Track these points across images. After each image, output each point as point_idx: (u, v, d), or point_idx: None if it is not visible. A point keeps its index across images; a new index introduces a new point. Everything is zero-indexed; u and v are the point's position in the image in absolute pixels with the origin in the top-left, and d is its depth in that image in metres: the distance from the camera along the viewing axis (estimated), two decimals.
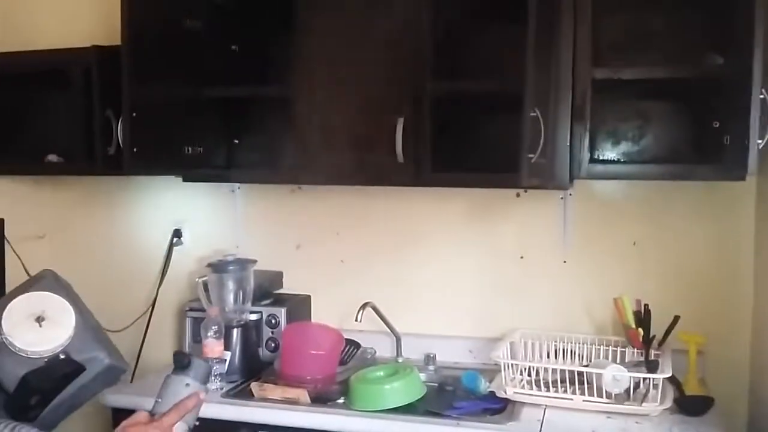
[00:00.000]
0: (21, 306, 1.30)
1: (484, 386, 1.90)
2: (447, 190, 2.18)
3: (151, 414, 1.15)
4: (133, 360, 2.41)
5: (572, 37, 1.77)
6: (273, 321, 2.21)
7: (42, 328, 1.31)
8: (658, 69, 1.82)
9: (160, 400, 1.17)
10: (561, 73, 1.77)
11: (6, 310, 1.27)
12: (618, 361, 1.89)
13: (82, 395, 1.45)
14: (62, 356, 1.33)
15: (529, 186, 1.89)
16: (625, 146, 2.04)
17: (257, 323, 2.20)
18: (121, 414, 1.96)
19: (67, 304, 1.34)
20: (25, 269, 2.41)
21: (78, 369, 1.35)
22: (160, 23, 2.14)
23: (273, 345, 2.19)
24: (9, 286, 2.17)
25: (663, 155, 2.00)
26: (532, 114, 1.68)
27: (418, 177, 1.95)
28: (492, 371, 1.98)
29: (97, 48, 2.19)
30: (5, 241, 2.38)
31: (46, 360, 1.31)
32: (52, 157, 2.38)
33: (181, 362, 1.19)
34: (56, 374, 1.34)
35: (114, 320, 2.46)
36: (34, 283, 1.39)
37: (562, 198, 2.12)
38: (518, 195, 2.15)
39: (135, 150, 2.13)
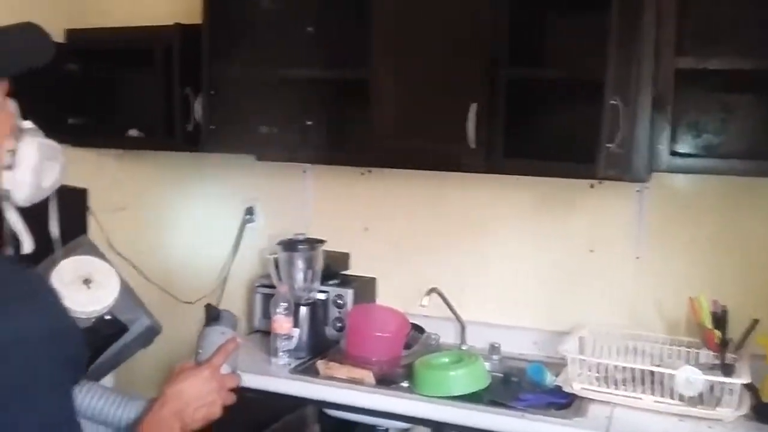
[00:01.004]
0: (70, 268, 1.35)
1: (550, 380, 1.88)
2: (518, 179, 2.15)
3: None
4: None
5: (656, 25, 1.70)
6: (340, 301, 2.24)
7: (90, 290, 1.36)
8: (744, 60, 1.73)
9: (201, 351, 1.25)
10: (643, 62, 1.71)
11: (55, 271, 1.32)
12: (691, 362, 1.83)
13: (123, 354, 1.52)
14: (108, 317, 1.39)
15: (606, 177, 1.84)
16: (706, 139, 1.96)
17: (324, 303, 2.24)
18: None
19: (112, 268, 1.40)
20: (107, 239, 2.52)
21: (122, 329, 1.43)
22: (240, 4, 2.18)
23: (339, 325, 2.23)
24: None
25: (746, 150, 1.91)
26: (612, 102, 1.63)
27: (489, 163, 1.92)
28: (557, 365, 1.96)
29: (179, 26, 2.25)
30: (88, 211, 2.49)
31: (93, 320, 1.37)
32: (134, 132, 2.47)
33: (214, 315, 1.30)
34: (103, 334, 1.41)
35: (187, 293, 2.56)
36: (76, 248, 1.44)
37: (638, 191, 2.06)
38: (592, 186, 2.10)
39: (212, 128, 2.20)
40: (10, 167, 0.90)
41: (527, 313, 2.20)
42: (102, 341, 1.40)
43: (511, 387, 1.90)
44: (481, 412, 1.74)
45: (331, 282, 2.28)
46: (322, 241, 2.24)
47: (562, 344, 1.88)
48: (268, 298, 2.28)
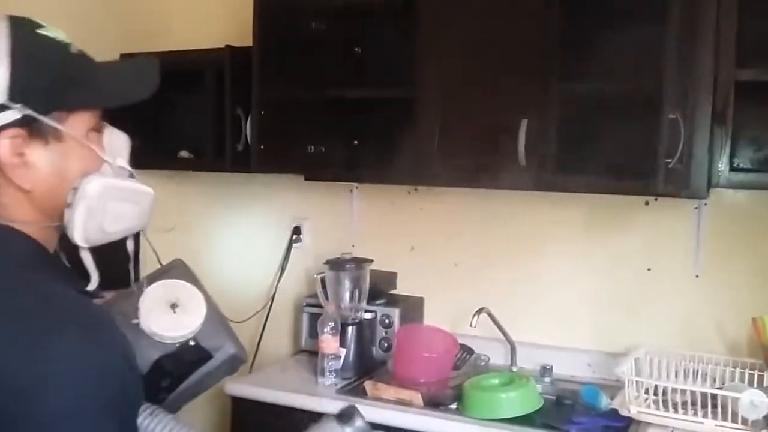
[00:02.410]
0: (157, 292, 1.34)
1: (605, 402, 1.81)
2: (569, 196, 2.11)
3: None
4: (252, 351, 2.49)
5: (715, 37, 1.66)
6: (387, 321, 2.22)
7: (176, 315, 1.34)
8: None
9: None
10: (702, 74, 1.67)
11: (143, 295, 1.32)
12: (755, 385, 1.74)
13: (205, 382, 1.50)
14: (192, 343, 1.36)
15: (663, 193, 1.79)
16: (767, 154, 1.89)
17: (371, 322, 2.22)
18: (239, 402, 2.05)
19: (199, 293, 1.38)
20: (158, 259, 2.55)
21: (206, 356, 1.40)
22: (289, 25, 2.21)
23: (386, 345, 2.20)
24: (143, 274, 2.31)
25: None
26: (671, 116, 1.59)
27: (540, 181, 1.89)
28: (612, 387, 1.89)
29: (230, 48, 2.29)
30: (142, 233, 2.53)
31: (177, 346, 1.35)
32: (184, 153, 2.51)
33: (349, 417, 1.17)
34: (186, 360, 1.39)
35: (234, 313, 2.55)
36: (166, 271, 1.44)
37: (696, 208, 1.99)
38: (647, 203, 2.04)
39: (262, 147, 2.22)
40: (69, 205, 0.87)
41: (580, 334, 2.14)
42: (184, 368, 1.38)
43: (565, 410, 1.84)
44: None
45: (378, 302, 2.26)
46: (369, 261, 2.23)
47: (617, 366, 1.81)
48: (314, 318, 2.27)
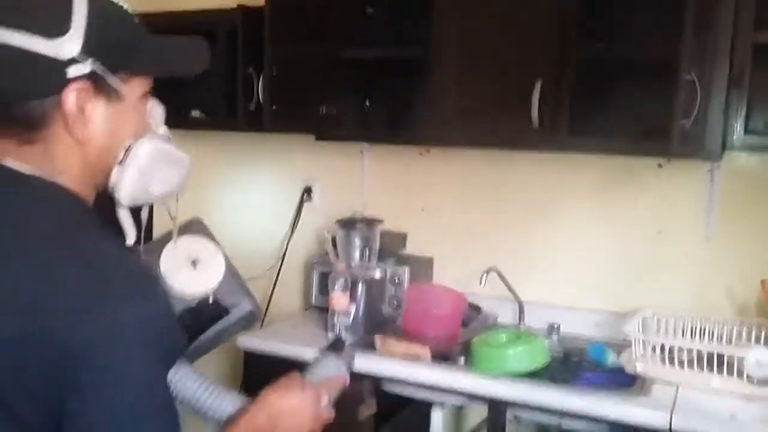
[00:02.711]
0: (178, 249, 1.35)
1: (612, 359, 1.84)
2: (581, 158, 2.11)
3: None
4: (263, 308, 2.52)
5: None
6: (396, 280, 2.24)
7: (196, 272, 1.36)
8: None
9: (312, 372, 1.22)
10: (720, 36, 1.66)
11: (164, 251, 1.33)
12: (762, 344, 1.76)
13: (221, 337, 1.52)
14: (211, 299, 1.39)
15: (677, 155, 1.79)
16: None
17: (381, 281, 2.24)
18: (251, 356, 2.08)
19: (219, 250, 1.40)
20: (171, 217, 2.57)
21: (223, 312, 1.42)
22: None
23: (396, 303, 2.23)
24: (156, 233, 2.34)
25: None
26: (687, 78, 1.59)
27: (553, 142, 1.89)
28: (619, 346, 1.91)
29: (242, 7, 2.29)
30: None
31: (196, 302, 1.38)
32: (197, 113, 2.52)
33: (338, 346, 1.28)
34: (204, 316, 1.41)
35: (245, 270, 2.55)
36: (185, 228, 1.46)
37: (709, 171, 1.99)
38: (660, 165, 2.05)
39: (274, 107, 2.23)
40: (120, 163, 0.91)
41: (589, 295, 2.16)
42: (202, 323, 1.40)
43: (571, 366, 1.86)
44: (540, 390, 1.71)
45: (388, 261, 2.28)
46: (379, 221, 2.25)
47: (625, 325, 1.83)
48: (324, 276, 2.30)
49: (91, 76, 0.84)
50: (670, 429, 1.56)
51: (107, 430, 0.78)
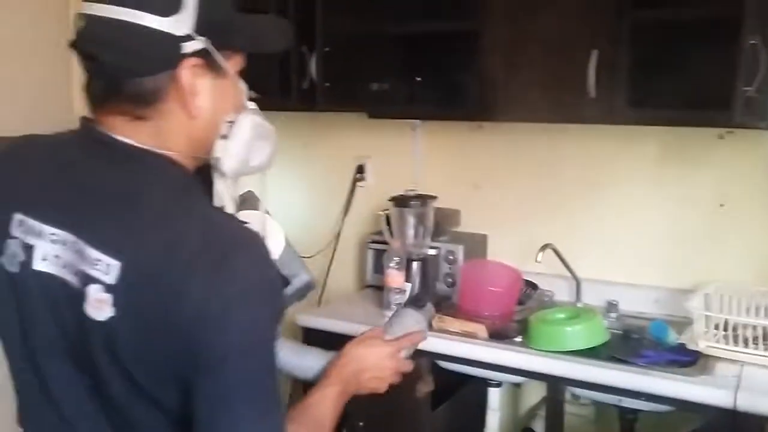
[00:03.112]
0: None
1: (673, 337, 1.80)
2: (640, 130, 2.05)
3: None
4: (319, 287, 2.56)
5: None
6: (450, 257, 2.24)
7: None
8: None
9: (391, 326, 1.24)
10: None
11: None
12: None
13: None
14: None
15: (740, 125, 1.72)
16: None
17: (435, 258, 2.24)
18: (310, 332, 2.12)
19: (277, 223, 1.43)
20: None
21: (284, 283, 1.46)
22: None
23: (450, 280, 2.23)
24: None
25: None
26: (751, 42, 1.52)
27: (610, 114, 1.84)
28: (680, 324, 1.88)
29: None
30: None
31: None
32: (249, 93, 2.54)
33: (418, 301, 1.30)
34: None
35: (300, 249, 2.62)
36: (243, 201, 1.49)
37: None
38: (721, 137, 1.97)
39: (327, 85, 2.23)
40: (225, 137, 0.93)
41: (648, 271, 2.11)
42: None
43: (631, 344, 1.84)
44: (599, 368, 1.69)
45: (441, 239, 2.28)
46: (433, 197, 2.24)
47: (687, 301, 1.79)
48: (379, 254, 2.32)
49: (202, 53, 0.87)
50: (735, 408, 1.52)
51: (239, 393, 0.82)
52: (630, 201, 2.14)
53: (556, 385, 1.77)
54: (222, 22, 0.90)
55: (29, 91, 2.78)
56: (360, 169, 2.58)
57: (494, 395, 2.01)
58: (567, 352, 1.75)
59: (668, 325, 1.85)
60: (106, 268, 0.82)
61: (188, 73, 0.87)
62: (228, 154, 0.93)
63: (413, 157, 2.48)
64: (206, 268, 0.80)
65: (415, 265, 2.17)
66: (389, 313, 2.06)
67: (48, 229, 0.88)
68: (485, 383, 2.02)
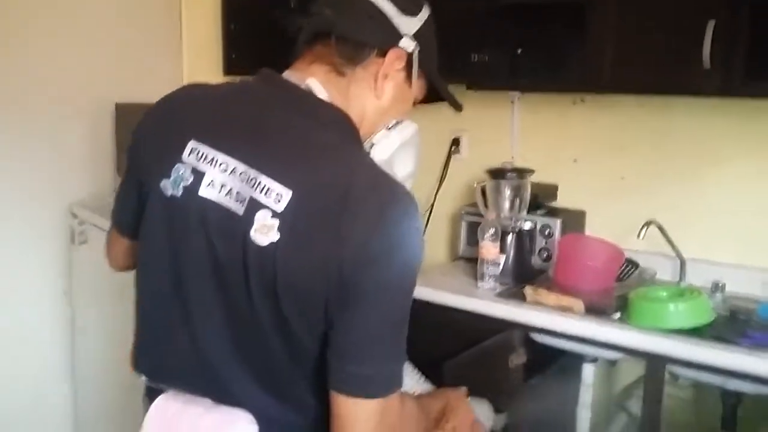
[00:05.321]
0: None
1: None
2: (757, 104, 1.95)
3: None
4: None
5: None
6: (547, 231, 2.21)
7: None
8: None
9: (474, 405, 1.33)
10: None
11: None
12: None
13: None
14: None
15: None
16: None
17: (531, 232, 2.22)
18: None
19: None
20: None
21: None
22: None
23: (546, 254, 2.21)
24: None
25: None
26: None
27: (726, 86, 1.76)
28: None
29: None
30: None
31: None
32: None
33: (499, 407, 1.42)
34: None
35: None
36: None
37: None
38: None
39: None
40: (388, 128, 1.07)
41: (757, 251, 2.02)
42: None
43: (738, 325, 1.76)
44: (702, 347, 1.63)
45: (538, 212, 2.25)
46: (530, 171, 2.22)
47: None
48: (473, 227, 2.31)
49: (409, 55, 1.05)
50: None
51: (379, 331, 0.90)
52: (741, 178, 2.04)
53: (655, 363, 1.72)
54: (431, 48, 1.10)
55: (141, 55, 2.92)
56: (455, 142, 2.58)
57: (588, 371, 1.98)
58: (669, 330, 1.71)
59: None
60: (276, 195, 0.89)
61: (393, 57, 1.02)
62: (383, 143, 1.06)
63: (511, 130, 2.46)
64: (369, 213, 0.87)
65: (509, 237, 2.16)
66: (483, 285, 2.08)
67: (222, 157, 0.95)
68: (580, 359, 2.00)
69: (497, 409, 1.42)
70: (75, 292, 2.77)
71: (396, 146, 1.08)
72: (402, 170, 1.10)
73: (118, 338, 2.37)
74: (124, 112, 2.65)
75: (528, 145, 2.42)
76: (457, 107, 1.22)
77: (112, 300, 2.29)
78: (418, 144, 1.15)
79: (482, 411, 1.35)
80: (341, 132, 0.98)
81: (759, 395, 1.68)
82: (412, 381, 1.34)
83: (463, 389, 1.33)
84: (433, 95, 1.17)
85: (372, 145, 1.06)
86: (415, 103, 1.15)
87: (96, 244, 2.41)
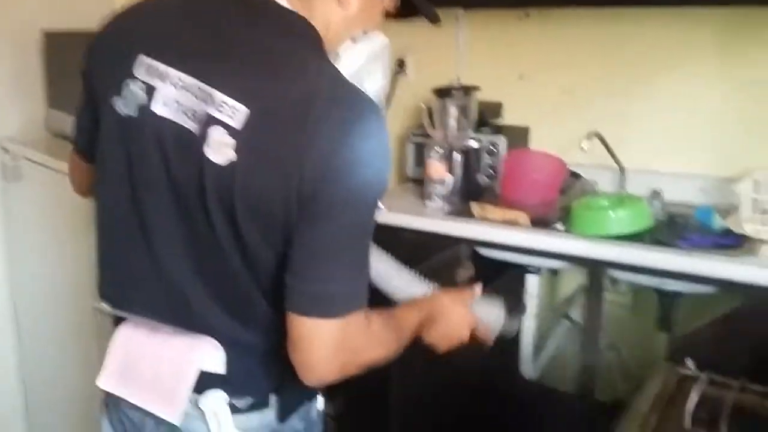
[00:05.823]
0: None
1: (718, 222, 1.78)
2: (695, 13, 1.96)
3: None
4: None
5: None
6: (492, 149, 2.22)
7: None
8: None
9: (480, 304, 1.27)
10: None
11: None
12: None
13: None
14: None
15: None
16: None
17: (477, 151, 2.23)
18: None
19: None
20: None
21: None
22: None
23: (492, 172, 2.22)
24: None
25: None
26: None
27: None
28: (726, 212, 1.85)
29: None
30: None
31: None
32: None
33: (517, 308, 1.40)
34: None
35: None
36: None
37: None
38: None
39: None
40: (354, 40, 1.02)
41: (695, 159, 2.07)
42: None
43: (676, 228, 1.82)
44: (642, 250, 1.69)
45: (484, 130, 2.26)
46: (476, 88, 2.21)
47: (734, 185, 1.76)
48: (420, 148, 2.32)
49: None
50: None
51: (340, 245, 0.87)
52: (680, 87, 2.07)
53: (596, 269, 1.78)
54: None
55: None
56: (401, 63, 2.55)
57: (533, 281, 2.04)
58: (609, 237, 1.75)
59: (714, 210, 1.82)
60: (232, 111, 0.84)
61: None
62: (349, 56, 1.01)
63: (456, 49, 2.43)
64: (333, 126, 0.83)
65: (456, 156, 2.17)
66: (431, 204, 2.09)
67: (174, 72, 0.90)
68: (524, 270, 2.05)
69: (514, 310, 1.33)
70: (11, 233, 2.66)
71: (363, 59, 1.03)
72: (372, 85, 1.06)
73: (61, 280, 2.31)
74: (53, 41, 2.52)
75: (474, 64, 2.40)
76: (435, 19, 1.15)
77: (55, 236, 2.22)
78: (388, 57, 1.11)
79: (491, 312, 1.27)
80: (303, 41, 0.92)
81: (694, 294, 1.76)
82: (421, 288, 1.29)
83: (476, 288, 1.28)
84: (406, 8, 1.10)
85: (337, 56, 1.01)
86: (387, 16, 1.08)
87: (32, 180, 2.33)
